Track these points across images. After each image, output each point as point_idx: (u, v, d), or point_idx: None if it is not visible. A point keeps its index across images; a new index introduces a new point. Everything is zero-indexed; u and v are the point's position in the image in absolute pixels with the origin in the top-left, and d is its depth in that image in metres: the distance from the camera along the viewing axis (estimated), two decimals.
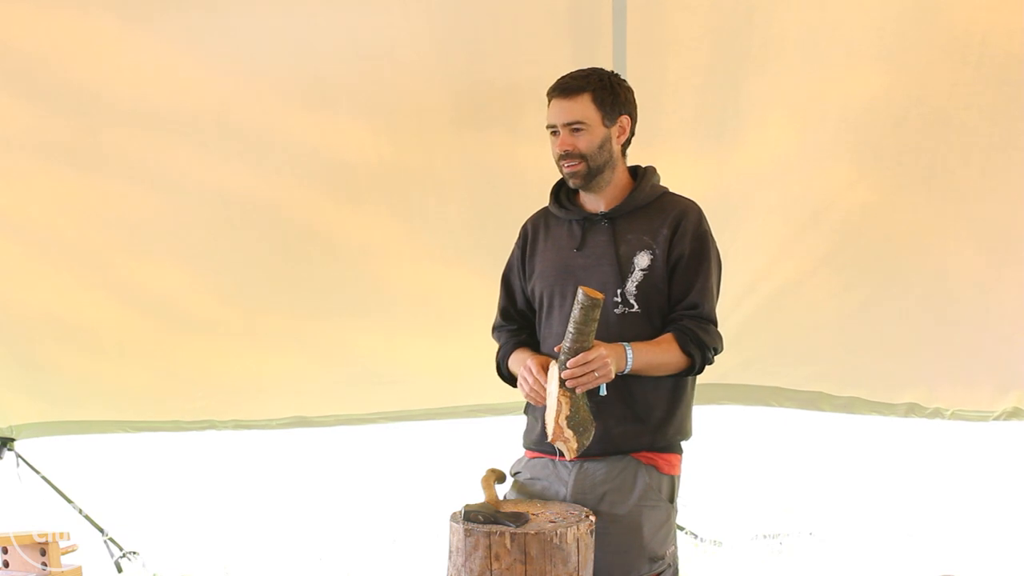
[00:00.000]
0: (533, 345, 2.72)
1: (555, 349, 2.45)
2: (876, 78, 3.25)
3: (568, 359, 2.38)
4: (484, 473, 2.59)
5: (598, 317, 2.37)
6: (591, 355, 2.38)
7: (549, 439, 2.46)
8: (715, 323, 2.60)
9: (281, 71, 3.23)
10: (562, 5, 3.13)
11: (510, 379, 2.76)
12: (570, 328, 2.38)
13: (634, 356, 2.46)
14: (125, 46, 3.16)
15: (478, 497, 2.54)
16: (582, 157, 2.56)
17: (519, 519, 2.40)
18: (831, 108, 3.33)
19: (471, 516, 2.42)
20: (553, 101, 2.58)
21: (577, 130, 2.55)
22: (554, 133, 2.60)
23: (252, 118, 3.36)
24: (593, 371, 2.38)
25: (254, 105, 3.32)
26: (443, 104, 3.33)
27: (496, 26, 3.14)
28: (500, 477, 2.63)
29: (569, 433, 2.42)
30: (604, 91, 2.56)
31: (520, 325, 2.78)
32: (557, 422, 2.42)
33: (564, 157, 2.58)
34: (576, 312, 2.36)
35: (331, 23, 3.12)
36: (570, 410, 2.41)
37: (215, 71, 3.24)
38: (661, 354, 2.52)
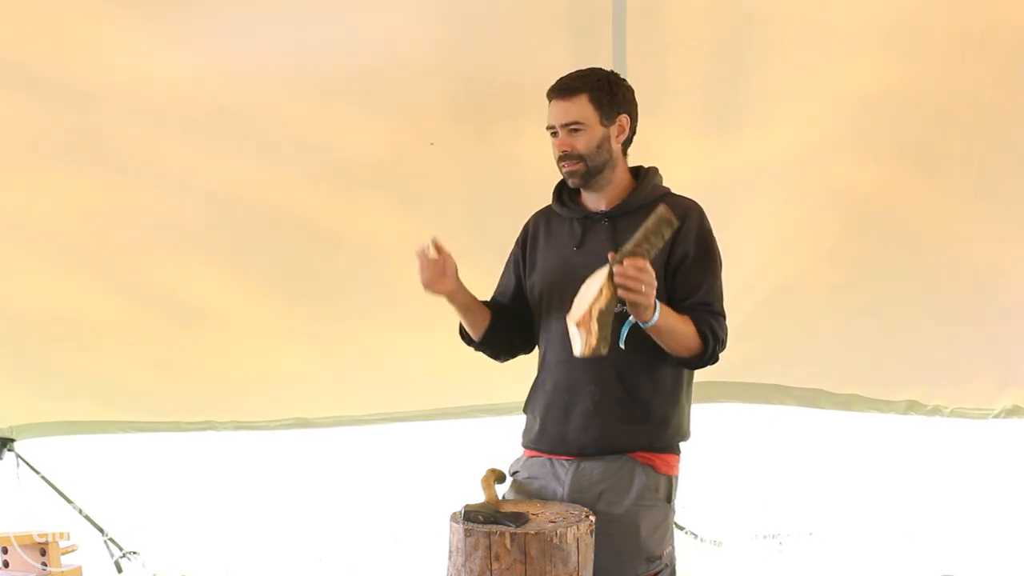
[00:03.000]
0: (496, 314, 2.73)
1: (609, 255, 2.36)
2: (877, 75, 3.25)
3: (626, 257, 2.32)
4: (484, 473, 2.59)
5: (667, 236, 2.35)
6: (649, 267, 2.33)
7: (575, 321, 2.37)
8: (725, 318, 2.60)
9: (282, 70, 3.23)
10: (562, 5, 3.13)
11: (468, 339, 2.78)
12: (638, 233, 2.33)
13: (660, 311, 2.41)
14: (127, 43, 3.16)
15: (478, 497, 2.54)
16: (580, 157, 2.56)
17: (519, 519, 2.40)
18: (831, 106, 3.34)
19: (471, 516, 2.42)
20: (552, 102, 2.59)
21: (575, 130, 2.56)
22: (554, 134, 2.60)
23: (253, 116, 3.36)
24: (643, 282, 2.31)
25: (255, 103, 3.32)
26: (443, 103, 3.34)
27: (496, 26, 3.14)
28: (500, 477, 2.63)
29: (594, 326, 2.34)
30: (601, 91, 2.56)
31: (501, 306, 2.77)
32: (590, 308, 2.34)
33: (563, 158, 2.58)
34: (650, 220, 2.33)
35: (333, 22, 3.12)
36: (605, 304, 2.34)
37: (216, 69, 3.24)
38: (681, 323, 2.49)
